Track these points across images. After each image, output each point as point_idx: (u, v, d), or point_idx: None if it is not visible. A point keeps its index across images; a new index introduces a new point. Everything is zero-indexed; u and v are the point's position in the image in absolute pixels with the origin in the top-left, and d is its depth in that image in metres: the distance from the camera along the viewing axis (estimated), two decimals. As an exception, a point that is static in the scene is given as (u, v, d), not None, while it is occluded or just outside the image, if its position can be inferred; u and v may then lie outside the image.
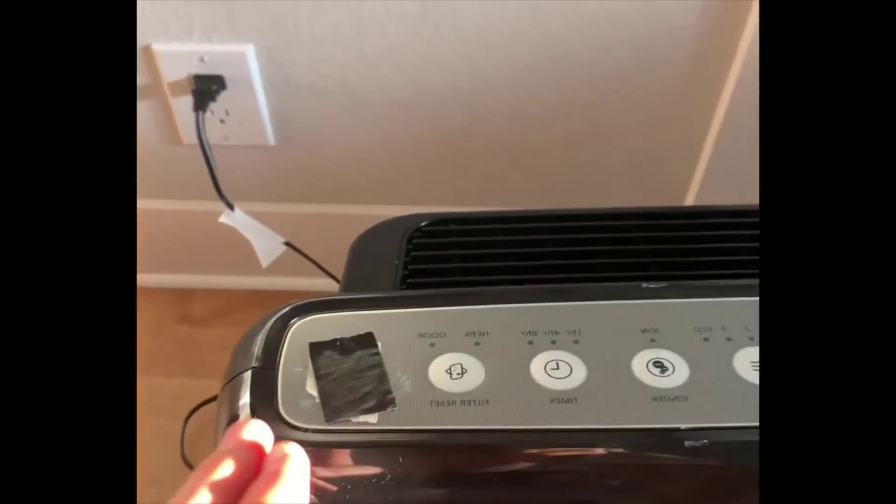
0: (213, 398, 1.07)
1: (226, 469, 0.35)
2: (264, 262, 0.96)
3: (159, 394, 1.10)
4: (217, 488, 0.34)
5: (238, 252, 1.06)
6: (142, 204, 1.09)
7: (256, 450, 0.37)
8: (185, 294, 1.22)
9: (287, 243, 0.97)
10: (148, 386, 1.11)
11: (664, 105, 0.91)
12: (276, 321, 0.44)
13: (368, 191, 1.04)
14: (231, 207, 0.91)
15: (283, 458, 0.36)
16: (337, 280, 1.02)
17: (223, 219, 0.91)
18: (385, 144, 0.98)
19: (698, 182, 0.97)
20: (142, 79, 0.91)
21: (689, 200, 0.99)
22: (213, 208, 0.95)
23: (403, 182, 1.02)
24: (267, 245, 0.95)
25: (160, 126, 0.97)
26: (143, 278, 1.21)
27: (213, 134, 0.92)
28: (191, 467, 0.99)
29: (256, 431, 0.38)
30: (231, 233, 0.95)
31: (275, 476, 0.35)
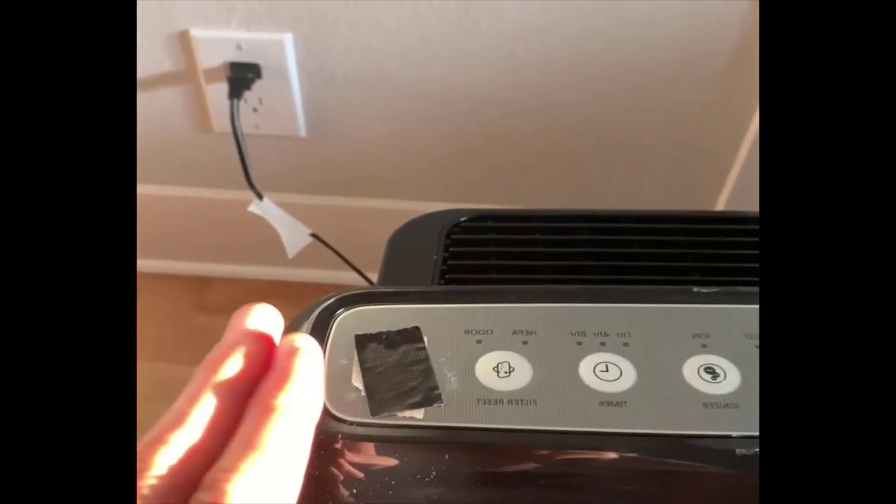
0: (230, 388, 1.07)
1: (232, 366, 0.31)
2: (290, 252, 0.96)
3: (174, 381, 1.08)
4: (223, 389, 0.31)
5: (258, 242, 1.06)
6: (167, 191, 1.09)
7: (265, 340, 0.34)
8: (203, 282, 1.22)
9: (313, 235, 0.96)
10: (163, 373, 1.10)
11: (701, 105, 0.90)
12: (321, 312, 0.44)
13: (397, 185, 1.04)
14: (260, 197, 0.91)
15: (293, 353, 0.32)
16: (361, 274, 1.01)
17: (252, 208, 0.91)
18: (416, 139, 0.97)
19: (732, 183, 0.96)
20: (176, 65, 0.91)
21: (722, 202, 0.99)
22: (238, 197, 0.95)
23: (433, 177, 1.02)
24: (294, 236, 0.95)
25: (192, 113, 0.97)
26: (162, 265, 1.21)
27: (245, 122, 0.91)
28: (205, 456, 0.99)
29: (264, 317, 0.35)
30: (252, 222, 0.95)
31: (285, 374, 0.31)
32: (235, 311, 0.34)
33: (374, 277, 1.00)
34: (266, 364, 0.33)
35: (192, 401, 0.30)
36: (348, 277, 1.03)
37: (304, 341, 0.34)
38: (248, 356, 0.32)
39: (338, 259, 0.98)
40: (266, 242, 1.01)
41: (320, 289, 1.24)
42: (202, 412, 0.30)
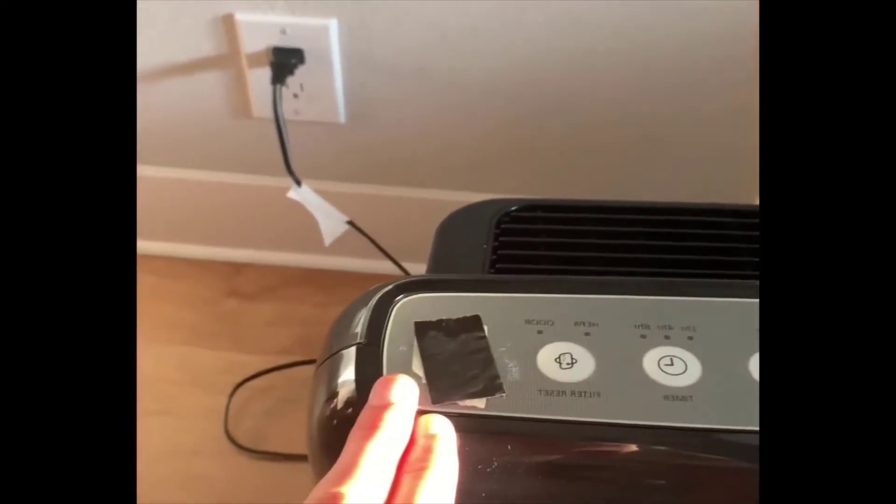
0: (259, 374, 1.08)
1: (385, 433, 0.36)
2: (327, 240, 0.95)
3: (205, 367, 1.10)
4: (380, 465, 0.35)
5: (293, 228, 1.06)
6: (203, 175, 1.08)
7: (407, 411, 0.38)
8: (236, 268, 1.22)
9: (350, 222, 0.96)
10: (193, 359, 1.11)
11: (741, 100, 0.89)
12: (380, 298, 0.43)
13: (435, 175, 1.03)
14: (299, 183, 0.90)
15: (431, 441, 0.37)
16: (396, 263, 1.01)
17: (291, 194, 0.91)
18: (455, 129, 0.97)
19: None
20: (219, 49, 0.91)
21: (757, 200, 0.98)
22: (273, 183, 0.95)
23: (471, 168, 1.01)
24: (331, 223, 0.95)
25: (232, 98, 0.97)
26: (195, 250, 1.20)
27: (285, 108, 0.91)
28: (234, 442, 0.99)
29: (404, 388, 0.38)
30: (286, 209, 0.94)
31: (423, 463, 0.35)
32: (379, 379, 0.39)
33: (410, 267, 1.00)
34: (408, 430, 0.37)
35: (356, 456, 0.35)
36: (382, 266, 1.03)
37: (441, 426, 0.38)
38: (394, 425, 0.37)
39: (371, 248, 0.98)
40: (301, 229, 1.01)
41: (353, 277, 1.24)
42: (366, 466, 0.34)
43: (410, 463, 0.36)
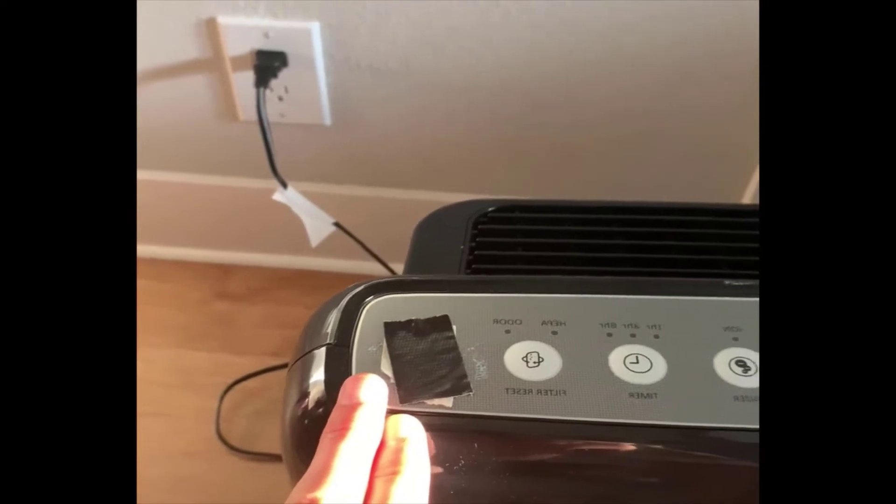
0: (250, 375, 1.08)
1: (355, 434, 0.36)
2: (314, 241, 0.96)
3: (196, 369, 1.10)
4: (353, 467, 0.35)
5: (281, 230, 1.06)
6: (191, 178, 1.09)
7: (377, 410, 0.38)
8: (226, 270, 1.22)
9: (336, 224, 0.96)
10: (185, 361, 1.11)
11: (731, 98, 0.90)
12: (351, 299, 0.44)
13: (421, 176, 1.04)
14: (284, 185, 0.91)
15: (402, 443, 0.37)
16: (383, 263, 1.01)
17: (277, 196, 0.91)
18: (441, 130, 0.97)
19: (757, 180, 0.95)
20: (202, 52, 0.91)
21: (748, 196, 0.98)
22: (261, 185, 0.95)
23: (456, 169, 1.02)
24: (317, 225, 0.95)
25: (217, 101, 0.97)
26: (185, 252, 1.21)
27: (270, 111, 0.91)
28: (226, 443, 0.99)
29: (373, 387, 0.39)
30: (274, 211, 0.95)
31: (395, 467, 0.36)
32: (348, 379, 0.39)
33: (397, 267, 1.01)
34: (379, 429, 0.38)
35: (330, 459, 0.35)
36: (370, 267, 1.03)
37: (410, 429, 0.38)
38: (365, 426, 0.37)
39: (360, 248, 0.98)
40: (289, 231, 1.01)
41: (342, 278, 1.24)
42: (340, 470, 0.35)
43: (382, 466, 0.36)
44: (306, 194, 0.96)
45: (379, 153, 1.01)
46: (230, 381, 1.06)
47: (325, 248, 1.01)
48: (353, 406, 0.38)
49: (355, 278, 0.46)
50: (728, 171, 0.98)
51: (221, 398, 1.05)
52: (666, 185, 1.00)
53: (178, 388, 1.08)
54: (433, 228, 0.60)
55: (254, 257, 1.21)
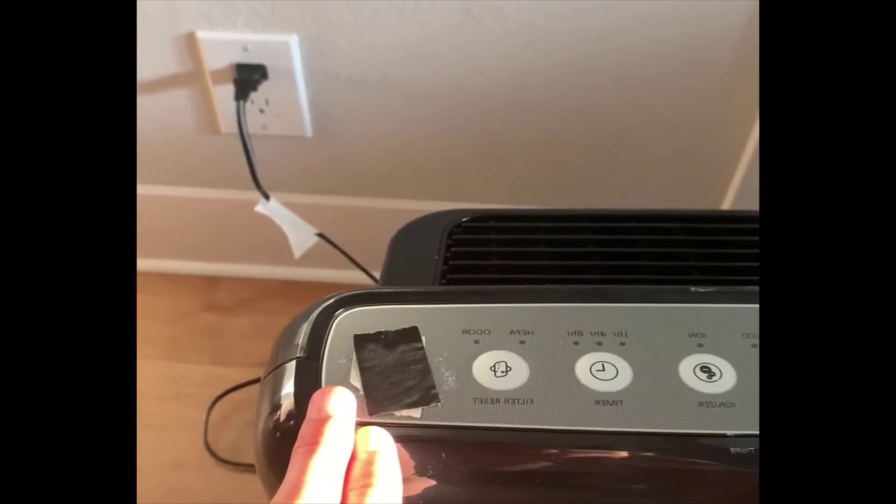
0: (238, 386, 1.08)
1: (326, 447, 0.37)
2: (297, 252, 0.96)
3: (184, 381, 1.10)
4: (326, 481, 0.36)
5: (267, 241, 1.06)
6: (175, 191, 1.09)
7: (346, 423, 0.39)
8: (212, 282, 1.22)
9: (320, 234, 0.97)
10: (173, 373, 1.11)
11: (705, 106, 0.90)
12: (321, 312, 0.44)
13: (402, 185, 1.04)
14: (267, 197, 0.91)
15: (373, 456, 0.38)
16: (368, 273, 1.02)
17: (259, 208, 0.92)
18: (421, 138, 0.98)
19: (737, 185, 0.96)
20: (183, 66, 0.92)
21: (727, 204, 0.99)
22: (246, 197, 0.96)
23: (438, 177, 1.02)
24: (300, 236, 0.95)
25: (199, 114, 0.97)
26: (171, 265, 1.21)
27: (252, 123, 0.92)
28: (214, 454, 1.00)
29: (342, 400, 0.39)
30: (260, 222, 0.95)
31: (367, 480, 0.36)
32: (316, 392, 0.40)
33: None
34: (349, 441, 0.38)
35: (302, 474, 0.35)
36: (356, 277, 1.04)
37: (379, 442, 0.39)
38: (334, 439, 0.37)
39: (345, 258, 0.99)
40: (274, 242, 1.02)
41: (328, 288, 1.23)
42: (312, 484, 0.35)
43: (354, 479, 0.37)
44: (290, 205, 0.96)
45: (361, 163, 1.02)
46: (218, 392, 1.06)
47: (312, 259, 1.02)
48: (322, 420, 0.38)
49: (342, 288, 0.47)
50: (707, 176, 0.98)
51: (210, 409, 1.05)
52: (645, 191, 1.01)
53: (166, 400, 1.08)
54: (408, 239, 0.60)
55: (241, 269, 1.21)
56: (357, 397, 0.40)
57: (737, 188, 0.96)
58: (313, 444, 0.37)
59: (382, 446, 0.38)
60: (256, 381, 1.04)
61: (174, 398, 1.08)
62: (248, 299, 1.21)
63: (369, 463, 0.37)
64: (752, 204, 0.95)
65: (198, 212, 1.12)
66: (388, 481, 0.37)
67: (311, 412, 0.39)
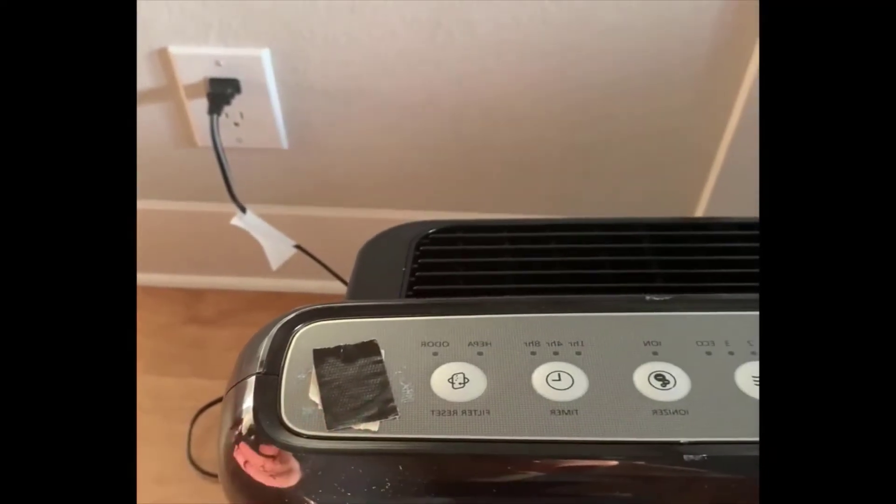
0: (221, 399, 1.08)
1: None
2: (274, 264, 0.96)
3: (167, 394, 1.10)
4: None
5: (248, 253, 1.07)
6: (154, 205, 1.09)
7: None
8: (194, 295, 1.22)
9: (297, 246, 0.97)
10: (156, 386, 1.11)
11: (676, 115, 0.91)
12: (281, 327, 0.45)
13: (379, 195, 1.04)
14: (243, 210, 0.91)
15: None
16: (346, 283, 1.02)
17: (235, 221, 0.92)
18: (397, 149, 0.98)
19: (709, 193, 0.96)
20: (157, 81, 0.92)
21: (700, 211, 0.99)
22: (226, 210, 0.96)
23: (414, 187, 1.03)
24: (277, 247, 0.96)
25: (175, 128, 0.98)
26: (153, 278, 1.21)
27: (227, 136, 0.92)
28: (197, 467, 1.00)
29: None
30: (241, 234, 0.96)
31: None
32: None
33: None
34: None
35: None
36: (337, 287, 1.04)
37: None
38: None
39: (324, 269, 0.99)
40: (255, 254, 1.02)
41: (311, 299, 1.24)
42: None
43: None
44: (267, 217, 0.97)
45: (338, 174, 1.02)
46: (201, 405, 1.06)
47: (293, 270, 1.02)
48: None
49: (323, 298, 0.47)
50: (679, 183, 0.99)
51: (192, 422, 1.05)
52: (620, 199, 1.01)
53: (148, 413, 1.08)
54: (375, 252, 0.61)
55: (223, 281, 1.22)
56: (316, 412, 0.40)
57: (709, 195, 0.96)
58: None
59: None
60: (240, 392, 1.05)
61: (157, 411, 1.08)
62: (231, 311, 1.21)
63: None
64: (725, 211, 0.95)
65: (178, 225, 1.12)
66: None
67: None
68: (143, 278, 1.21)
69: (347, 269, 1.00)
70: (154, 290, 1.22)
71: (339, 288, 1.04)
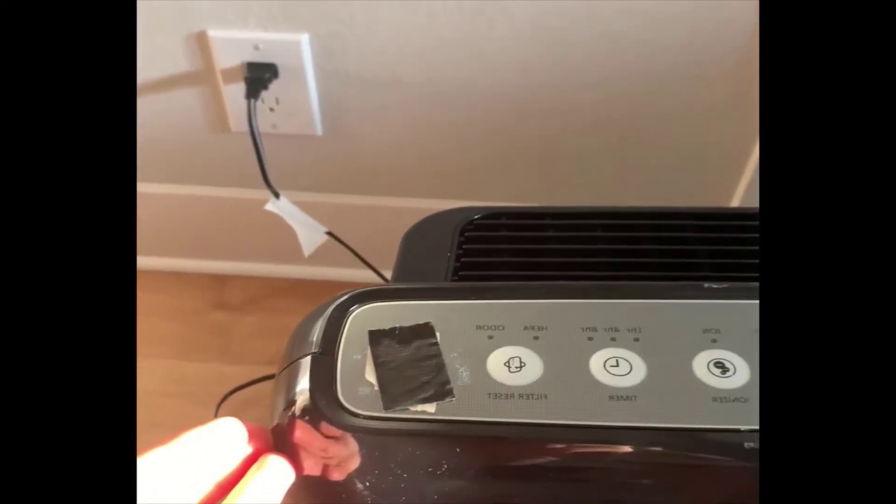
0: (246, 384, 1.09)
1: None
2: (306, 250, 0.96)
3: (192, 379, 1.11)
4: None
5: (276, 240, 1.07)
6: (185, 190, 1.10)
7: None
8: (221, 280, 1.23)
9: (329, 233, 0.97)
10: (181, 371, 1.12)
11: (716, 104, 0.91)
12: (335, 308, 0.44)
13: (412, 184, 1.04)
14: (277, 195, 0.91)
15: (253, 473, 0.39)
16: (376, 271, 1.02)
17: (269, 206, 0.92)
18: (431, 138, 0.98)
19: (746, 183, 0.96)
20: (194, 65, 0.92)
21: (736, 201, 0.99)
22: (255, 196, 0.96)
23: (448, 176, 1.03)
24: (310, 234, 0.96)
25: (209, 113, 0.98)
26: (181, 263, 1.22)
27: (262, 122, 0.92)
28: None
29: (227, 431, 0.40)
30: (270, 220, 0.96)
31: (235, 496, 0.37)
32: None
33: (390, 275, 1.01)
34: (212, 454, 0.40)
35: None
36: (364, 275, 1.04)
37: (271, 469, 0.40)
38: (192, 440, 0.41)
39: (354, 257, 0.99)
40: (283, 240, 1.02)
41: (337, 286, 1.24)
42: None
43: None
44: (300, 204, 0.97)
45: (371, 162, 1.02)
46: (226, 390, 1.06)
47: (320, 257, 1.02)
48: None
49: (350, 286, 0.47)
50: (715, 175, 0.98)
51: (218, 408, 1.05)
52: (655, 189, 1.01)
53: (174, 399, 1.08)
54: (420, 237, 0.60)
55: (250, 267, 1.22)
56: (372, 393, 0.40)
57: (746, 186, 0.96)
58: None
59: (269, 471, 0.39)
60: (264, 379, 1.05)
61: (182, 396, 1.09)
62: (256, 297, 1.21)
63: (246, 481, 0.38)
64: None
65: (207, 210, 1.12)
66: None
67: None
68: (169, 263, 1.21)
69: (377, 257, 1.00)
70: (180, 275, 1.22)
71: (367, 276, 1.04)
